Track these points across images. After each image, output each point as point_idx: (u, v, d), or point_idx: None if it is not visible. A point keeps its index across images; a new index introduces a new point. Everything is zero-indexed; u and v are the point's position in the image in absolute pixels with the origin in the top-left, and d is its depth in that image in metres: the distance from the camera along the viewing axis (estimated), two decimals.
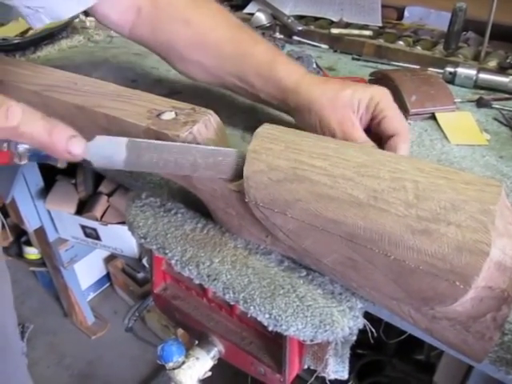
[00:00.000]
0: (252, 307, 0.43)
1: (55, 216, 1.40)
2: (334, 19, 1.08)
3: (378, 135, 0.54)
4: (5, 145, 0.40)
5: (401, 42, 0.95)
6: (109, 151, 0.41)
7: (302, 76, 0.56)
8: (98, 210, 1.32)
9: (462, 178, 0.33)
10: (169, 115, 0.44)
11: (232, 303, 0.46)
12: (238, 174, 0.41)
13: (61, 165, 0.42)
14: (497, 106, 0.74)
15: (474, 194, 0.32)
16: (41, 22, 0.58)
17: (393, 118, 0.53)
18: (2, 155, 0.40)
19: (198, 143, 0.43)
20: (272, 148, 0.39)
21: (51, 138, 0.39)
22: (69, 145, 0.39)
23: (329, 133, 0.54)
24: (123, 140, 0.40)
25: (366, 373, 1.17)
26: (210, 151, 0.41)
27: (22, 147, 0.40)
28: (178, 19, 0.60)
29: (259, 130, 0.41)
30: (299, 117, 0.57)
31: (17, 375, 0.87)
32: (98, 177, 1.35)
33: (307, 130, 0.53)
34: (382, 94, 0.54)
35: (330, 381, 0.53)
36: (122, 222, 1.31)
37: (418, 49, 0.92)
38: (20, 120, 0.38)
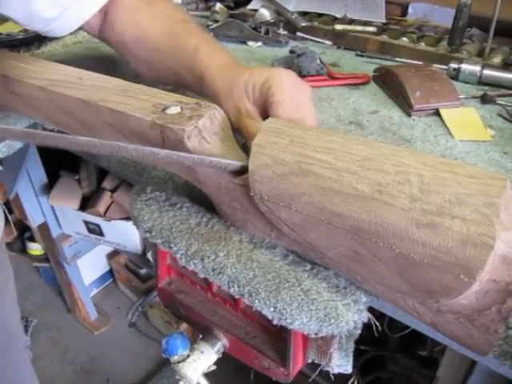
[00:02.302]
0: (257, 301, 0.43)
1: (58, 212, 1.40)
2: (338, 15, 1.08)
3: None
4: None
5: (405, 39, 0.95)
6: None
7: (215, 66, 0.54)
8: (101, 206, 1.33)
9: (467, 171, 0.33)
10: (174, 109, 0.45)
11: (237, 297, 0.46)
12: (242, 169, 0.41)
13: None
14: (501, 102, 0.74)
15: (479, 188, 0.32)
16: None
17: (282, 104, 0.46)
18: None
19: (202, 137, 0.43)
20: (277, 142, 0.39)
21: None
22: None
23: (231, 121, 0.49)
24: None
25: (369, 368, 1.17)
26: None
27: None
28: (130, 20, 0.62)
29: (264, 124, 0.41)
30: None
31: (20, 369, 0.87)
32: (102, 172, 1.36)
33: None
34: (277, 76, 0.47)
35: (333, 375, 0.53)
36: (126, 218, 1.31)
37: (422, 45, 0.92)
38: None
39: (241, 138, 0.50)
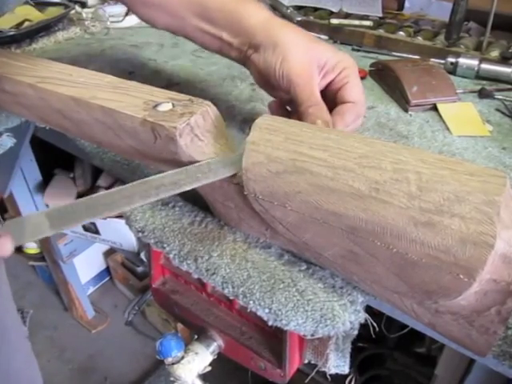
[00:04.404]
0: (251, 302, 0.43)
1: None
2: (334, 10, 1.07)
3: (329, 100, 0.51)
4: None
5: (401, 33, 0.93)
6: (31, 227, 0.39)
7: (271, 15, 0.53)
8: None
9: (466, 168, 0.33)
10: (166, 106, 0.44)
11: (231, 298, 0.45)
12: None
13: None
14: (499, 97, 0.73)
15: (479, 185, 0.31)
16: None
17: (356, 86, 0.51)
18: None
19: (195, 135, 0.42)
20: (271, 139, 0.38)
21: None
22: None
23: (285, 78, 0.50)
24: (37, 214, 0.39)
25: (366, 366, 1.17)
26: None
27: None
28: None
29: (258, 120, 0.40)
30: (259, 56, 0.52)
31: (17, 359, 0.86)
32: (97, 171, 1.34)
33: (263, 72, 0.51)
34: (352, 63, 0.52)
35: (330, 375, 0.52)
36: (121, 216, 1.30)
37: (419, 39, 0.91)
38: None
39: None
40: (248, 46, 0.53)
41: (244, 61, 0.55)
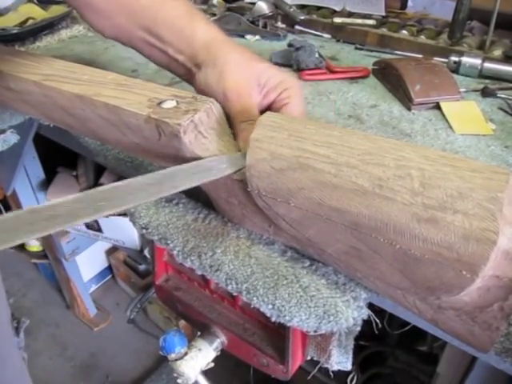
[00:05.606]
0: (255, 298, 0.43)
1: None
2: (337, 8, 1.07)
3: None
4: None
5: (404, 32, 0.94)
6: None
7: (218, 34, 0.53)
8: None
9: (469, 165, 0.33)
10: (170, 104, 0.44)
11: (235, 294, 0.45)
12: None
13: None
14: (502, 96, 0.73)
15: (481, 182, 0.31)
16: None
17: (297, 107, 0.50)
18: None
19: (199, 131, 0.42)
20: (275, 136, 0.39)
21: None
22: None
23: (221, 94, 0.49)
24: None
25: (368, 364, 1.17)
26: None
27: None
28: None
29: (262, 118, 0.41)
30: (200, 74, 0.52)
31: (7, 371, 0.86)
32: (100, 168, 1.35)
33: (205, 90, 0.51)
34: (295, 83, 0.52)
35: (332, 371, 0.53)
36: (124, 214, 1.30)
37: (422, 38, 0.91)
38: None
39: None
40: (193, 64, 0.53)
41: (190, 79, 0.54)
